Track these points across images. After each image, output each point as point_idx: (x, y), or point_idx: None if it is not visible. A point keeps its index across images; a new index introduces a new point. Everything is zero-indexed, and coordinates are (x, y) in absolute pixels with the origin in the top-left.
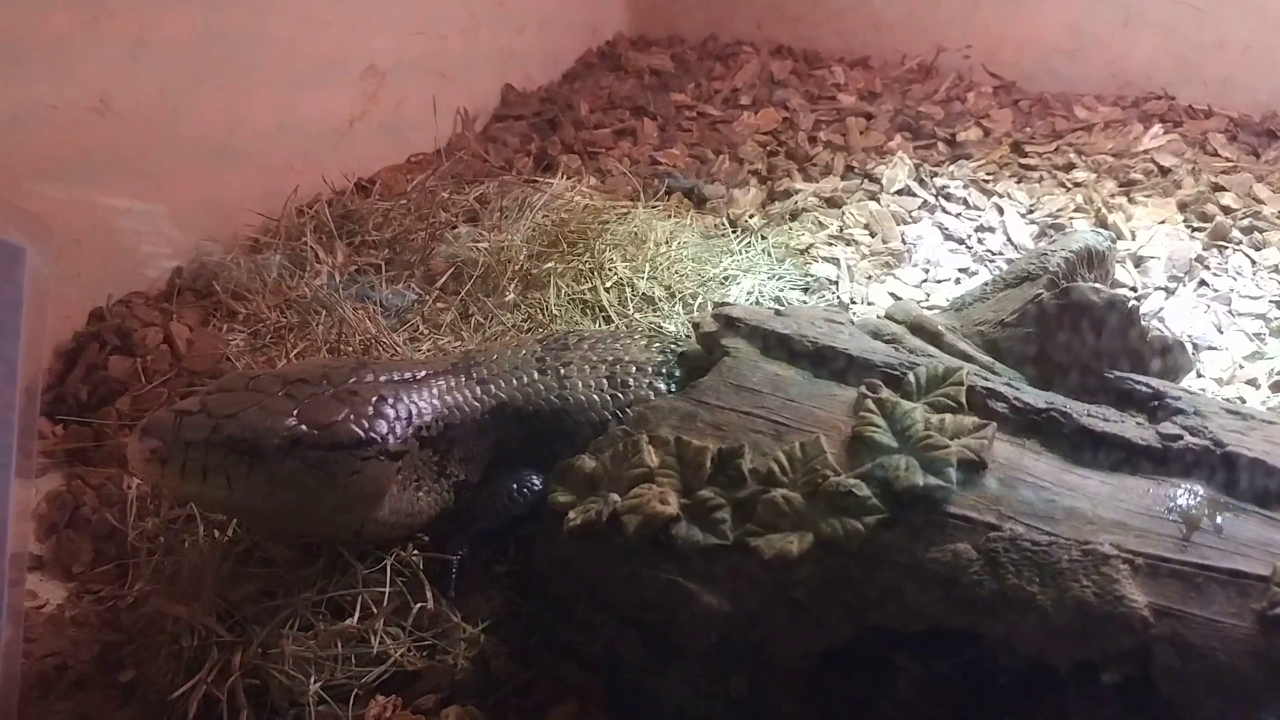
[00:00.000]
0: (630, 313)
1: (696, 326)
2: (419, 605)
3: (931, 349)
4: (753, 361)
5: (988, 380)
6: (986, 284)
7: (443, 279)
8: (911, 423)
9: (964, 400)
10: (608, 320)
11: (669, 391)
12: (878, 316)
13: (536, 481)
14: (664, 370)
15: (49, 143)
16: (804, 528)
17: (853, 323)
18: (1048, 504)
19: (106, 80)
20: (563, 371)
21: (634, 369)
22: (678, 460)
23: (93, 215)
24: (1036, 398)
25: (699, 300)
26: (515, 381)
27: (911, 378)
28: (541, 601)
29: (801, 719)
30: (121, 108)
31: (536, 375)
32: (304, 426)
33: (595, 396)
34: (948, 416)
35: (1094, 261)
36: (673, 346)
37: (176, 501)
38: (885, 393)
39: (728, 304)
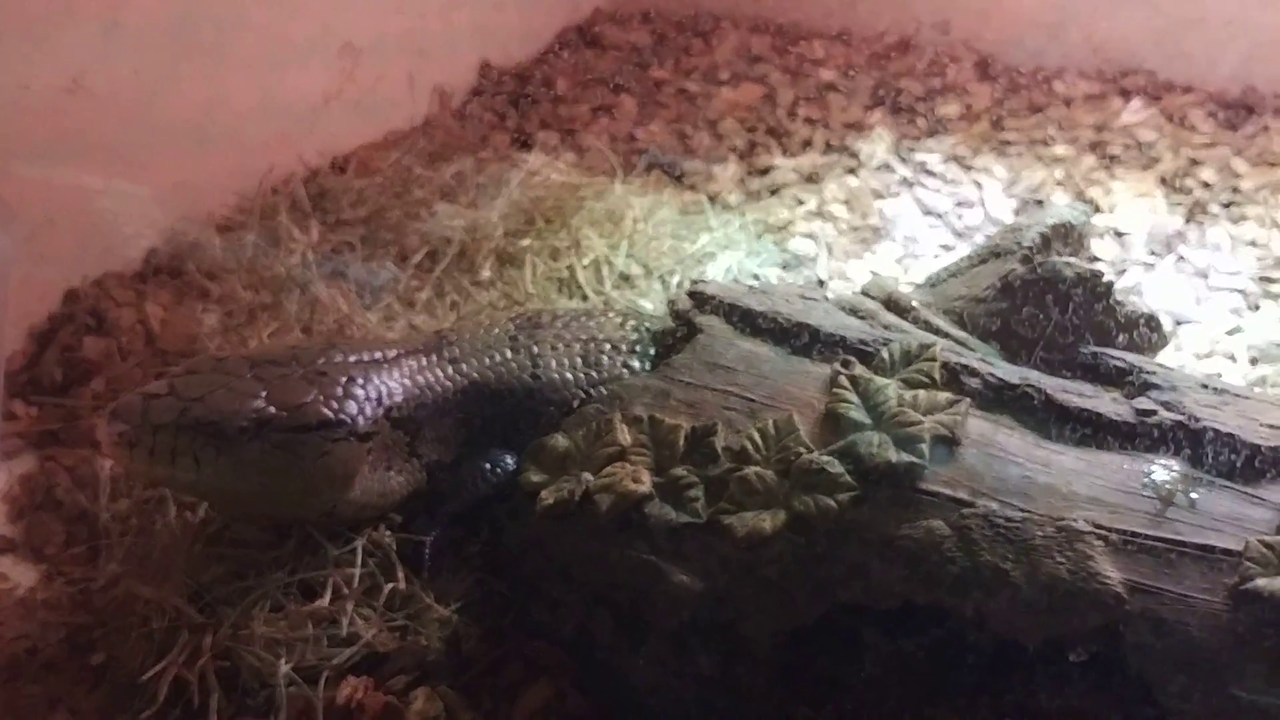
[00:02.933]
0: (607, 291)
1: (671, 304)
2: (390, 586)
3: (906, 325)
4: (727, 339)
5: (961, 356)
6: (961, 260)
7: (418, 257)
8: (885, 399)
9: (937, 376)
10: (584, 298)
11: (644, 370)
12: (853, 293)
13: (509, 461)
14: (638, 348)
15: (21, 124)
16: (777, 505)
17: (828, 299)
18: (1022, 480)
19: (79, 61)
20: (535, 350)
21: (608, 347)
22: (651, 439)
23: (67, 196)
24: (1010, 373)
25: (677, 278)
26: (487, 360)
27: (885, 354)
28: (513, 581)
29: (771, 697)
30: (95, 88)
31: (509, 354)
32: (272, 408)
33: (569, 375)
34: (921, 393)
35: (1069, 236)
36: (647, 325)
37: (148, 484)
38: (859, 369)
39: (703, 281)
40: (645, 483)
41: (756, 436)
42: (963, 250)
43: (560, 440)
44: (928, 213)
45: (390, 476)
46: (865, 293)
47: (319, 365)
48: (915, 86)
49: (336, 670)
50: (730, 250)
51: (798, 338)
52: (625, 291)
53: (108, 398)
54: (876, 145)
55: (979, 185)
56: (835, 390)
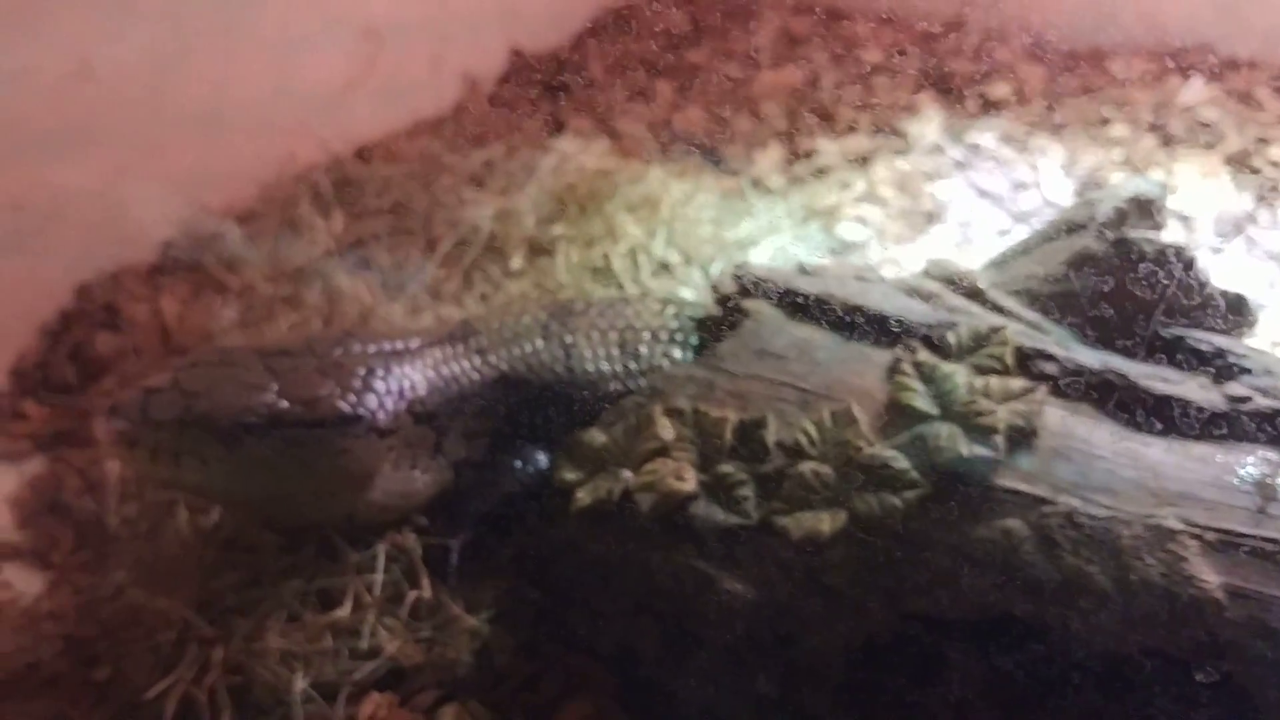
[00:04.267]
0: (644, 279)
1: (714, 288)
2: (415, 594)
3: (973, 307)
4: (776, 324)
5: (1035, 339)
6: (1030, 236)
7: (446, 247)
8: (953, 387)
9: (1010, 361)
10: (620, 288)
11: (685, 359)
12: (913, 275)
13: (541, 458)
14: (678, 336)
15: (28, 111)
16: (836, 505)
17: (886, 281)
18: (1105, 475)
19: (88, 44)
20: (568, 339)
21: (646, 335)
22: (695, 433)
23: (77, 187)
24: (1090, 357)
25: (718, 266)
26: (517, 351)
27: (951, 338)
28: (547, 589)
29: None
30: (104, 73)
31: (540, 344)
32: (284, 402)
33: (604, 366)
34: (993, 379)
35: (1146, 210)
36: (687, 311)
37: (156, 486)
38: (923, 355)
39: (747, 264)
40: (690, 480)
41: (811, 429)
42: (1020, 234)
43: (597, 435)
44: (983, 195)
45: (414, 476)
46: (927, 274)
47: (335, 356)
48: (964, 67)
49: (357, 686)
50: (774, 236)
51: (854, 322)
52: (664, 280)
53: None
54: (926, 127)
55: (1034, 167)
56: (898, 378)
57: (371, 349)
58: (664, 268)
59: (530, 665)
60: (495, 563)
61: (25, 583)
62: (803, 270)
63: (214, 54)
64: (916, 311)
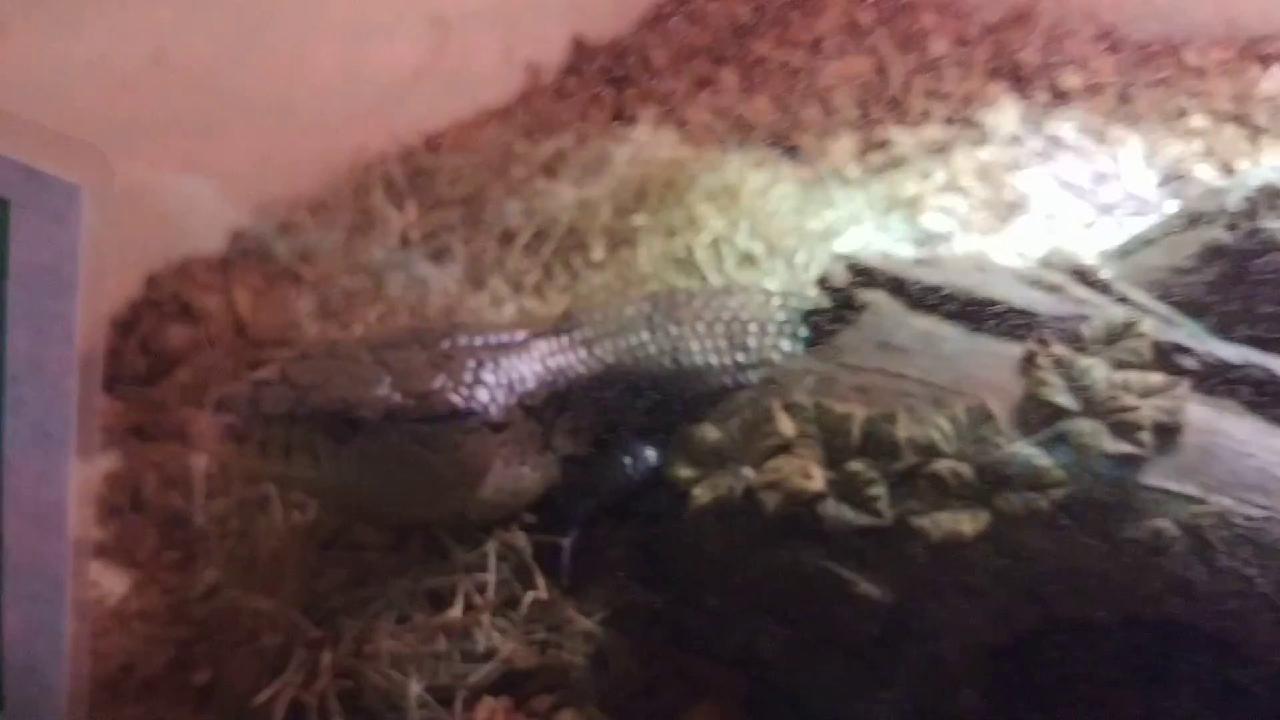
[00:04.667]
0: (729, 271)
1: (823, 279)
2: (532, 594)
3: (1101, 299)
4: (897, 316)
5: (1170, 332)
6: (1153, 227)
7: (524, 238)
8: (1093, 381)
9: (1148, 355)
10: (703, 279)
11: (796, 352)
12: (1028, 265)
13: (651, 454)
14: (787, 329)
15: (101, 98)
16: (976, 505)
17: (1007, 271)
18: (1257, 472)
19: (162, 31)
20: (674, 331)
21: (754, 327)
22: (819, 429)
23: (146, 175)
24: (1228, 351)
25: (801, 256)
26: (623, 343)
27: (1086, 330)
28: (662, 589)
29: None
30: (177, 60)
31: (646, 336)
32: (397, 396)
33: (712, 359)
34: (1133, 374)
35: (1274, 201)
36: (793, 302)
37: (253, 482)
38: (1058, 348)
39: (858, 253)
40: (817, 479)
41: (945, 425)
42: (1106, 227)
43: (710, 431)
44: (1064, 187)
45: (523, 472)
46: (1046, 263)
47: (444, 349)
48: (1033, 58)
49: (472, 690)
50: (856, 226)
51: (980, 314)
52: (748, 272)
53: (195, 389)
54: (1003, 117)
55: (1116, 159)
56: (1035, 373)
57: (479, 341)
58: (747, 259)
59: (649, 669)
60: (604, 562)
61: (111, 582)
62: (918, 260)
63: (284, 42)
64: (1044, 303)
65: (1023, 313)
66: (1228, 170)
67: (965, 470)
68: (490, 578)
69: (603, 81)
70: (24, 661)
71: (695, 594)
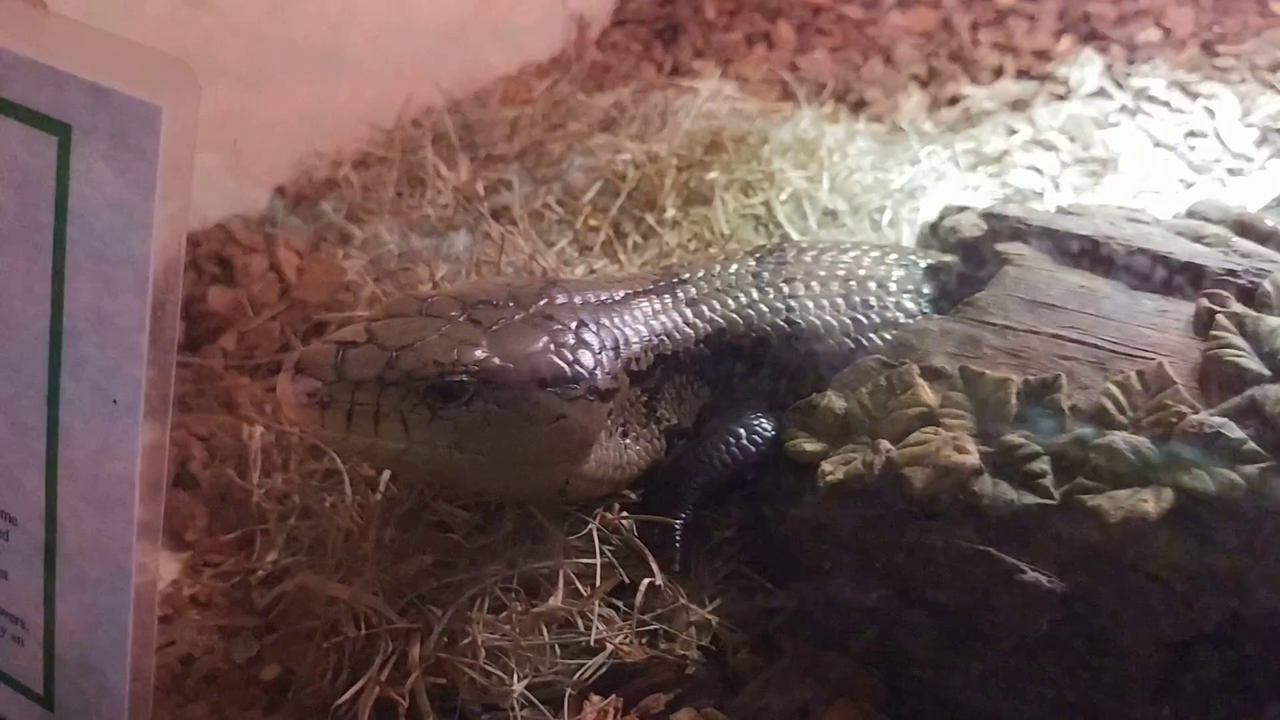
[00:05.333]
0: (813, 229)
1: (951, 230)
2: (647, 581)
3: (1266, 252)
4: (1045, 270)
5: None
6: None
7: (590, 194)
8: None
9: None
10: (783, 238)
11: (921, 312)
12: (1177, 217)
13: (767, 426)
14: (909, 286)
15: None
16: (1158, 481)
17: (1161, 222)
18: None
19: None
20: (787, 290)
21: (873, 285)
22: (968, 397)
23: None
24: None
25: (886, 214)
26: (732, 302)
27: (1268, 286)
28: (782, 575)
29: None
30: (220, 3)
31: (756, 295)
32: (496, 359)
33: (830, 319)
34: None
35: None
36: (912, 257)
37: (339, 453)
38: (1237, 306)
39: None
40: (972, 453)
41: (1116, 392)
42: (1204, 186)
43: (835, 400)
44: (1156, 144)
45: (627, 445)
46: (1197, 215)
47: (542, 307)
48: (1105, 10)
49: (579, 688)
50: (942, 183)
51: (1138, 268)
52: (831, 230)
53: (241, 355)
54: (1087, 70)
55: (1210, 113)
56: (1215, 333)
57: (578, 300)
58: (829, 216)
59: (771, 664)
60: (714, 544)
61: (160, 565)
62: (1061, 210)
63: None
64: (1210, 257)
65: (1189, 267)
66: None
67: (1143, 443)
68: (597, 563)
69: (651, 35)
70: (78, 658)
71: (824, 581)
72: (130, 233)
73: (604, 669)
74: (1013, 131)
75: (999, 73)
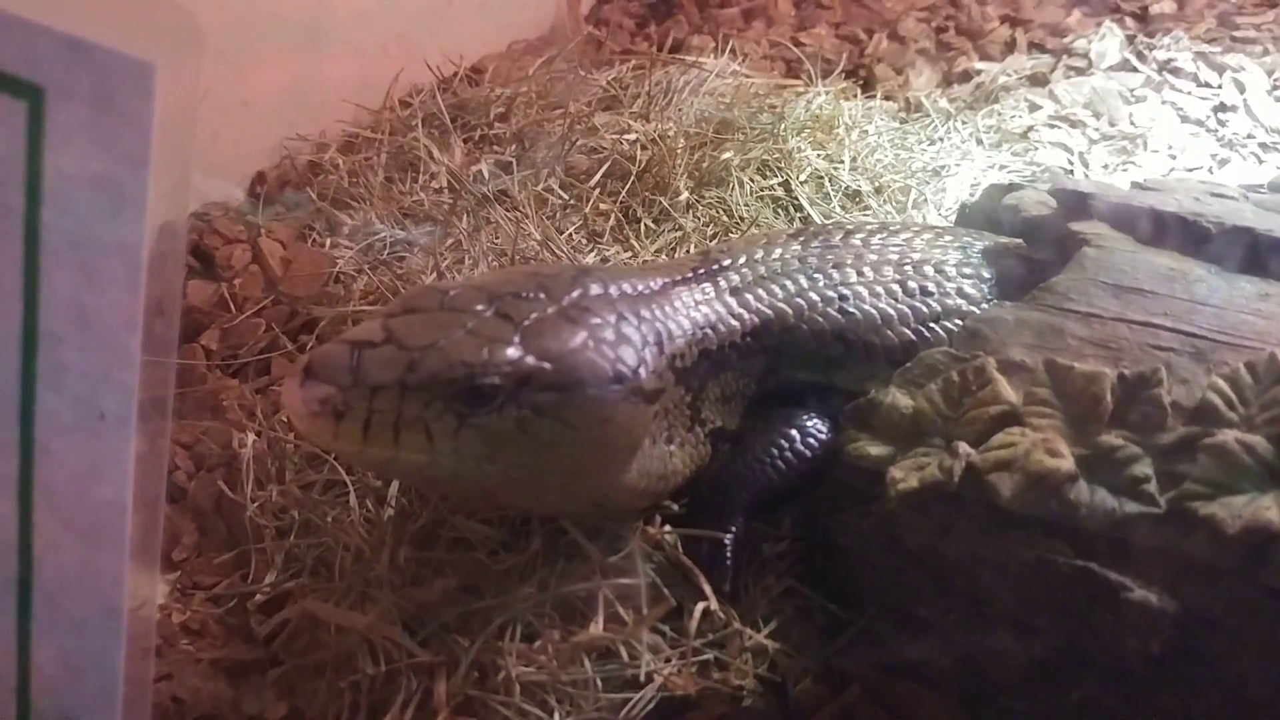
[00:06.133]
0: (835, 210)
1: (1013, 208)
2: (702, 606)
3: None
4: (1129, 252)
5: None
6: None
7: (596, 177)
8: None
9: None
10: (805, 221)
11: (984, 299)
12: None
13: (822, 428)
14: (969, 271)
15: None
16: (1279, 487)
17: (1249, 197)
18: None
19: None
20: (838, 276)
21: (929, 271)
22: (1055, 393)
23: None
24: None
25: (912, 195)
26: (779, 291)
27: None
28: (844, 594)
29: None
30: None
31: (805, 282)
32: (530, 358)
33: (887, 308)
34: None
35: None
36: (968, 240)
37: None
38: None
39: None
40: (1066, 456)
41: (1225, 386)
42: (1236, 163)
43: (901, 398)
44: (1185, 119)
45: (671, 451)
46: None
47: (576, 299)
48: None
49: None
50: (967, 161)
51: (1234, 249)
52: (853, 212)
53: (224, 355)
54: (1108, 43)
55: (1240, 86)
56: None
57: (614, 290)
58: (851, 196)
59: (838, 694)
60: (764, 561)
61: (145, 587)
62: (1137, 185)
63: None
64: None
65: None
66: None
67: (1260, 443)
68: (641, 584)
69: (644, 10)
70: (59, 711)
71: (896, 601)
72: (118, 215)
73: (653, 703)
74: (1035, 107)
75: (1010, 47)
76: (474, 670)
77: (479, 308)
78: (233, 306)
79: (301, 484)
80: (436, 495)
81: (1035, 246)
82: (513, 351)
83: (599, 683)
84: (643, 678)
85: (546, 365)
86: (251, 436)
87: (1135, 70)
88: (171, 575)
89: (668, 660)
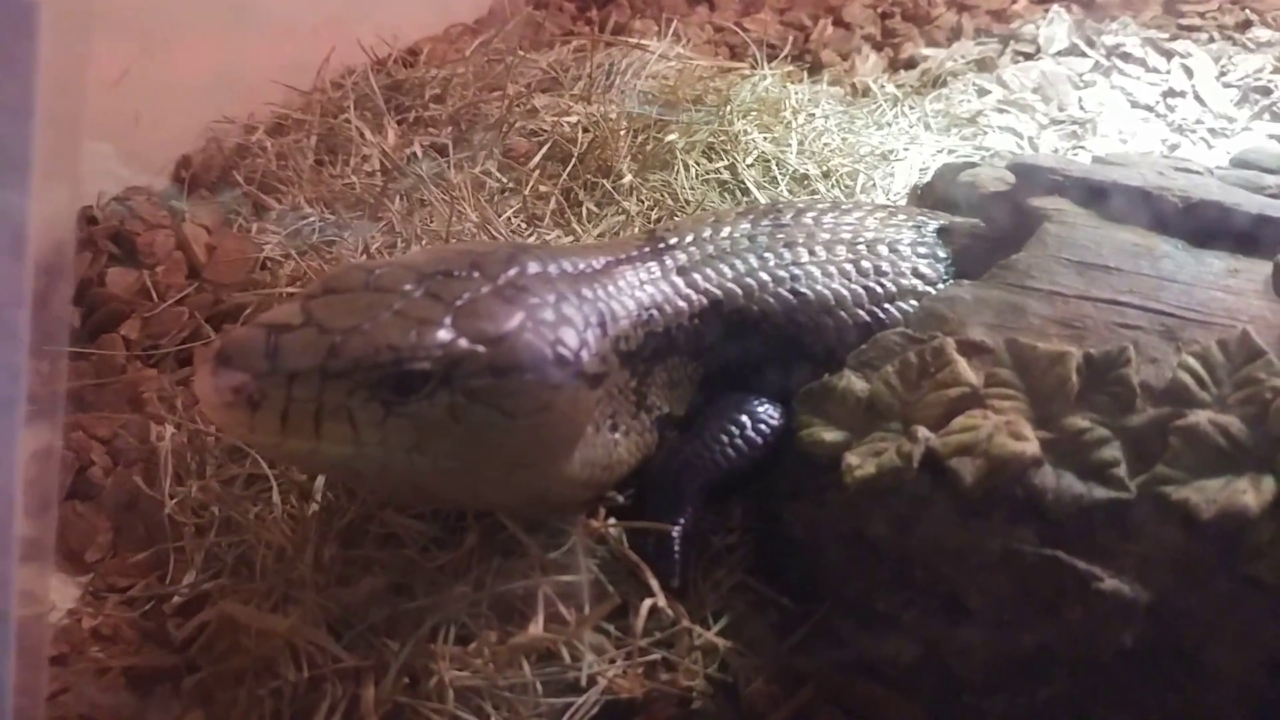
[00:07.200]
0: (782, 195)
1: (971, 184)
2: (649, 603)
3: None
4: (1092, 227)
5: None
6: None
7: (536, 159)
8: None
9: None
10: (753, 204)
11: (940, 279)
12: (1218, 168)
13: (774, 413)
14: (923, 250)
15: None
16: (1255, 468)
17: (1214, 172)
18: None
19: None
20: (789, 255)
21: (883, 250)
22: (1018, 374)
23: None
24: None
25: (860, 179)
26: (728, 270)
27: None
28: (802, 587)
29: None
30: None
31: (755, 261)
32: (464, 341)
33: (840, 288)
34: None
35: None
36: (922, 218)
37: (274, 460)
38: None
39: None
40: (1031, 440)
41: (1196, 365)
42: (1186, 148)
43: (856, 381)
44: (1135, 105)
45: (616, 439)
46: (1249, 163)
47: (512, 278)
48: None
49: None
50: (916, 146)
51: (1200, 223)
52: (800, 195)
53: (146, 345)
54: (1056, 28)
55: (1188, 72)
56: None
57: (553, 269)
58: (799, 180)
59: (792, 695)
60: (714, 554)
61: (53, 590)
62: (1098, 160)
63: None
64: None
65: (1262, 220)
66: None
67: (1233, 423)
68: (583, 580)
69: None
70: None
71: (852, 594)
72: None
73: (597, 708)
74: (984, 92)
75: (957, 32)
76: (404, 675)
77: (407, 287)
78: (154, 295)
79: (223, 479)
80: (366, 490)
81: (993, 224)
82: (444, 334)
83: (539, 687)
84: (585, 681)
85: (480, 348)
86: (170, 430)
87: (1084, 55)
88: (84, 578)
89: (612, 661)
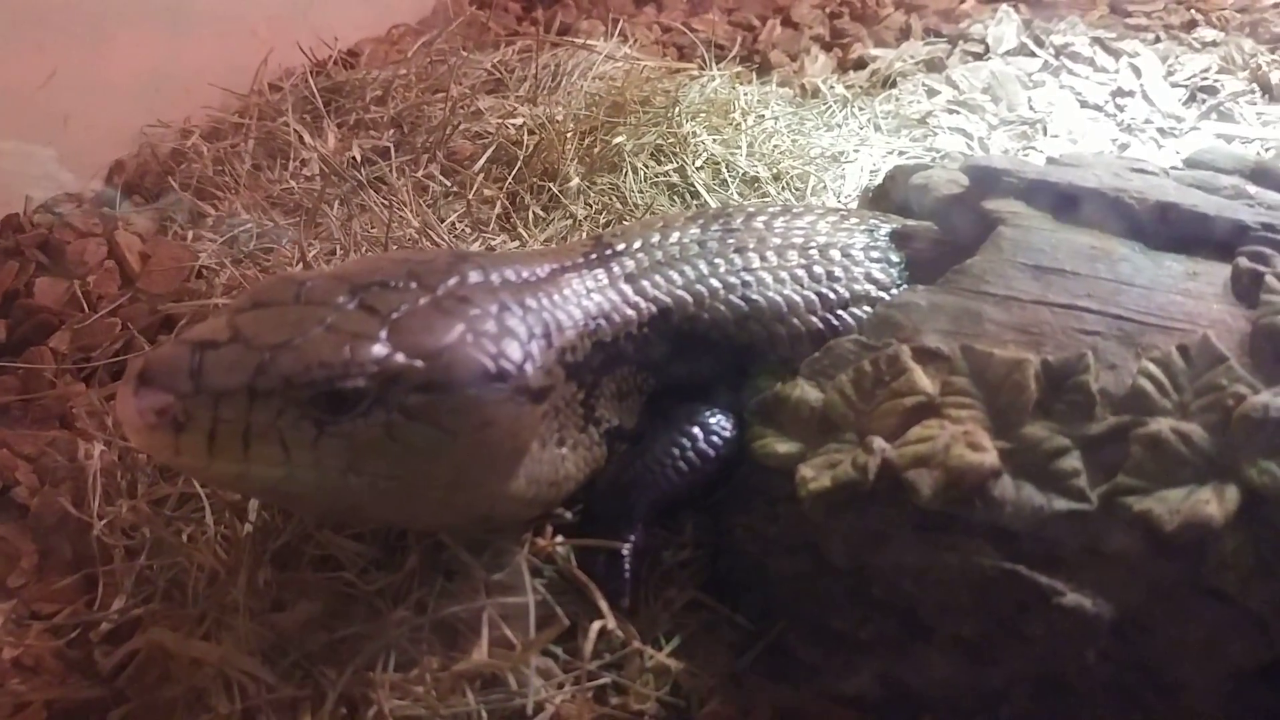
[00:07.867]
0: (733, 198)
1: (922, 188)
2: (599, 625)
3: None
4: (1048, 230)
5: None
6: None
7: (480, 163)
8: None
9: None
10: (702, 206)
11: (895, 284)
12: (1173, 168)
13: (726, 425)
14: (876, 255)
15: None
16: (1218, 477)
17: (1169, 172)
18: None
19: None
20: (739, 262)
21: (836, 255)
22: (974, 382)
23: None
24: None
25: (810, 181)
26: (678, 277)
27: None
28: (756, 604)
29: None
30: None
31: (705, 268)
32: (400, 355)
33: (793, 294)
34: None
35: None
36: (874, 222)
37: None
38: None
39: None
40: (989, 449)
41: (1156, 371)
42: (1136, 147)
43: (809, 390)
44: (1084, 105)
45: (563, 455)
46: (1203, 164)
47: (451, 287)
48: None
49: None
50: (866, 147)
51: (1160, 225)
52: (751, 199)
53: (76, 359)
54: (1004, 28)
55: (1136, 71)
56: (1267, 297)
57: (495, 278)
58: (749, 183)
59: (744, 715)
60: (665, 571)
61: None
62: (1052, 161)
63: None
64: (1239, 210)
65: (1220, 222)
66: (1261, 83)
67: (1195, 430)
68: (529, 602)
69: None
70: None
71: (808, 612)
72: None
73: None
74: (934, 93)
75: (905, 33)
76: (342, 705)
77: (340, 300)
78: (85, 305)
79: (154, 499)
80: (301, 512)
81: (947, 228)
82: (379, 349)
83: (484, 715)
84: (532, 708)
85: (418, 363)
86: (100, 447)
87: (1033, 55)
88: (6, 604)
89: (560, 686)
